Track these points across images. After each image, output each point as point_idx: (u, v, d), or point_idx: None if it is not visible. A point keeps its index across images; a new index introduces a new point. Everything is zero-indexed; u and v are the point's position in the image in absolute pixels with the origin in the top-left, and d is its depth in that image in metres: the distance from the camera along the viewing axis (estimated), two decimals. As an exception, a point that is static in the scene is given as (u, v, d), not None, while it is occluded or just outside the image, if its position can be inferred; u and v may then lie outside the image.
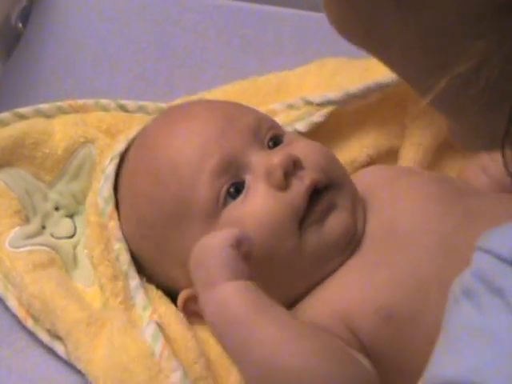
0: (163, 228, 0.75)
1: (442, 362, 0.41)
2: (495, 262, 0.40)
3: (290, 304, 0.73)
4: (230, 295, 0.65)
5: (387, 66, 0.52)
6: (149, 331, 0.71)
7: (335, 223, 0.72)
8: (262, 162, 0.73)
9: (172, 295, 0.77)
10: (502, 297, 0.39)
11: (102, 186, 0.79)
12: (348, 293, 0.71)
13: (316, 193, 0.72)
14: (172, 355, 0.70)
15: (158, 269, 0.77)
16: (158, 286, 0.78)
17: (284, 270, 0.71)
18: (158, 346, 0.70)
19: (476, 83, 0.44)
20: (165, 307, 0.75)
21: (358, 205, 0.75)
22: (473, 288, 0.41)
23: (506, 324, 0.38)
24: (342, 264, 0.73)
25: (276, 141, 0.76)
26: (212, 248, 0.67)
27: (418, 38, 0.46)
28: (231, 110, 0.78)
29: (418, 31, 0.45)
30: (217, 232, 0.68)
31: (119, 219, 0.79)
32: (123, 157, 0.81)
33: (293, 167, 0.72)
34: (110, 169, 0.80)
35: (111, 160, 0.80)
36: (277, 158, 0.72)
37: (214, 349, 0.74)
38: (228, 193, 0.72)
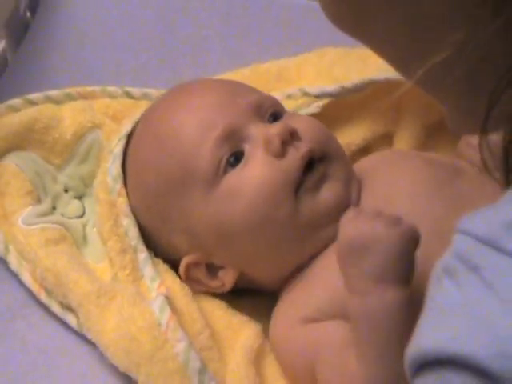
0: (166, 195, 0.78)
1: (424, 333, 0.43)
2: (472, 242, 0.43)
3: (288, 276, 0.76)
4: (394, 306, 0.64)
5: (374, 50, 0.55)
6: (156, 303, 0.74)
7: (329, 192, 0.75)
8: (261, 132, 0.76)
9: (177, 269, 0.80)
10: (478, 273, 0.41)
11: (111, 166, 0.82)
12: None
13: (312, 164, 0.75)
14: (178, 326, 0.73)
15: (162, 238, 0.80)
16: (165, 260, 0.81)
17: (280, 237, 0.75)
18: (165, 318, 0.73)
19: (457, 68, 0.47)
20: (171, 280, 0.78)
21: (353, 178, 0.78)
22: (452, 267, 0.43)
23: (481, 298, 0.41)
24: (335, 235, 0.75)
25: (276, 116, 0.79)
26: (390, 241, 0.65)
27: (402, 25, 0.49)
28: (235, 87, 0.82)
29: (403, 19, 0.49)
30: (390, 223, 0.66)
31: (127, 194, 0.81)
32: (130, 137, 0.84)
33: (290, 137, 0.75)
34: (118, 149, 0.83)
35: (119, 140, 0.84)
36: (275, 128, 0.76)
37: (220, 320, 0.77)
38: (228, 161, 0.75)
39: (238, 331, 0.77)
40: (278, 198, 0.74)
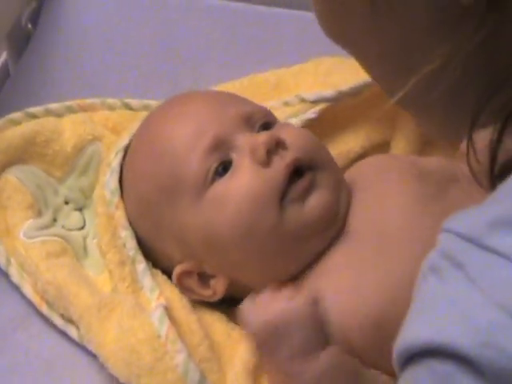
0: (158, 204, 0.79)
1: (409, 327, 0.45)
2: (456, 240, 0.44)
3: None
4: (332, 365, 0.69)
5: (363, 67, 0.57)
6: (156, 315, 0.75)
7: (316, 201, 0.76)
8: (248, 142, 0.77)
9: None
10: (463, 270, 0.43)
11: (109, 179, 0.84)
12: (340, 300, 0.73)
13: (299, 172, 0.76)
14: (177, 338, 0.74)
15: (156, 246, 0.82)
16: (164, 272, 0.82)
17: (266, 245, 0.75)
18: (164, 329, 0.74)
19: (439, 83, 0.48)
20: (170, 291, 0.80)
21: (342, 187, 0.79)
22: (438, 264, 0.45)
23: (465, 292, 0.42)
24: (327, 248, 0.76)
25: (267, 127, 0.80)
26: (293, 319, 0.69)
27: (389, 43, 0.51)
28: (226, 99, 0.83)
29: (389, 37, 0.50)
30: (289, 297, 0.71)
31: (124, 205, 0.83)
32: (127, 150, 0.86)
33: (275, 146, 0.76)
34: (116, 162, 0.84)
35: (116, 154, 0.85)
36: (261, 137, 0.77)
37: (219, 332, 0.78)
38: (216, 170, 0.77)
39: (237, 343, 0.77)
40: (262, 206, 0.75)
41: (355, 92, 0.91)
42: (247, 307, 0.72)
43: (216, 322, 0.80)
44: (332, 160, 0.82)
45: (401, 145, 0.93)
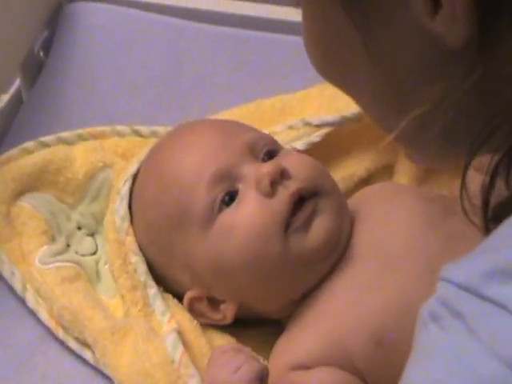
0: (167, 232, 0.81)
1: (412, 375, 0.46)
2: (454, 290, 0.45)
3: (287, 306, 0.79)
4: None
5: (359, 106, 0.59)
6: (169, 340, 0.77)
7: (319, 228, 0.77)
8: (253, 172, 0.79)
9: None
10: (462, 319, 0.44)
11: (118, 206, 0.86)
12: (342, 320, 0.75)
13: (302, 200, 0.78)
14: (190, 362, 0.76)
15: (167, 273, 0.84)
16: (174, 296, 0.84)
17: (272, 273, 0.77)
18: (177, 354, 0.76)
19: (432, 124, 0.50)
20: (180, 315, 0.82)
21: (344, 213, 0.81)
22: (437, 312, 0.46)
23: (465, 343, 0.43)
24: (330, 272, 0.78)
25: (271, 155, 0.82)
26: None
27: (383, 85, 0.53)
28: (231, 128, 0.85)
29: (382, 79, 0.52)
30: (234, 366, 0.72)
31: (134, 231, 0.85)
32: (135, 177, 0.88)
33: (279, 176, 0.78)
34: (125, 189, 0.87)
35: (125, 181, 0.87)
36: (266, 167, 0.78)
37: None
38: (223, 200, 0.78)
39: None
40: (267, 236, 0.77)
41: (358, 117, 0.92)
42: (211, 358, 0.75)
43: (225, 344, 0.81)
44: (335, 186, 0.83)
45: (405, 168, 0.93)
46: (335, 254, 0.79)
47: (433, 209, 0.81)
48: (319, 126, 0.93)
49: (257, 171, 0.79)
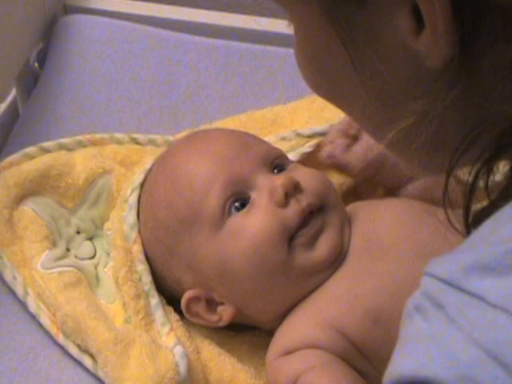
0: (176, 232, 0.84)
1: (397, 362, 0.49)
2: (437, 284, 0.48)
3: (281, 315, 0.82)
4: None
5: (350, 118, 0.62)
6: (175, 354, 0.80)
7: (324, 244, 0.81)
8: (267, 183, 0.82)
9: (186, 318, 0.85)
10: (443, 310, 0.47)
11: (127, 214, 0.88)
12: (336, 303, 0.79)
13: (311, 213, 0.81)
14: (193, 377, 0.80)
15: (169, 272, 0.86)
16: (175, 309, 0.86)
17: (274, 280, 0.81)
18: (182, 368, 0.79)
19: (418, 135, 0.53)
20: (180, 332, 0.84)
21: (346, 223, 0.84)
22: (421, 304, 0.49)
23: (446, 331, 0.47)
24: (328, 277, 0.81)
25: (281, 168, 0.86)
26: None
27: (371, 99, 0.55)
28: (247, 139, 0.88)
29: (372, 94, 0.55)
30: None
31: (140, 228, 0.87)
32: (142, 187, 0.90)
33: (293, 189, 0.81)
34: (133, 199, 0.88)
35: (132, 191, 0.89)
36: (280, 179, 0.82)
37: (214, 372, 0.83)
38: (234, 205, 0.82)
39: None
40: (273, 243, 0.80)
41: None
42: None
43: (210, 361, 0.84)
44: (339, 199, 0.87)
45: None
46: (337, 264, 0.82)
47: (418, 206, 0.85)
48: (310, 137, 0.97)
49: (272, 182, 0.82)
